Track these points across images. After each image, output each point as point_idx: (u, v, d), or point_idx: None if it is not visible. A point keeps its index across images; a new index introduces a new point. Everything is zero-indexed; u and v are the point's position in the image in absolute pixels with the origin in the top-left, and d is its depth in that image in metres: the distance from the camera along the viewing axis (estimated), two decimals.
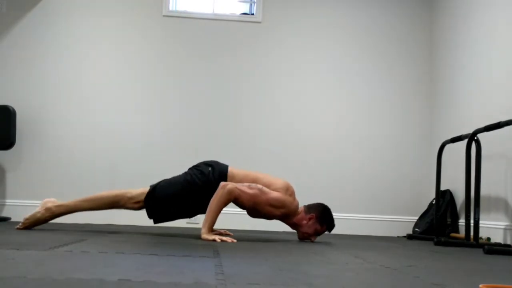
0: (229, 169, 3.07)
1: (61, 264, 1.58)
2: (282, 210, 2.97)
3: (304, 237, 3.12)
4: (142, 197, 3.00)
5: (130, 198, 3.00)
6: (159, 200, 3.00)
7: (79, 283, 1.23)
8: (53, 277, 1.31)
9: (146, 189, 3.03)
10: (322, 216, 3.07)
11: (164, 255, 1.97)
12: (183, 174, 3.09)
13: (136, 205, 3.02)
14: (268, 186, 2.98)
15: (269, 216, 3.03)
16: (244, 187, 2.91)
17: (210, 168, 3.03)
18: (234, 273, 1.54)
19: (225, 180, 3.00)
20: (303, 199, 4.52)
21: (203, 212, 2.98)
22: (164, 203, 3.01)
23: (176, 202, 3.01)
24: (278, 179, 3.06)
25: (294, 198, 3.05)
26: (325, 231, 3.12)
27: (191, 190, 2.99)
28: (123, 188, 3.22)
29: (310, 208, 3.09)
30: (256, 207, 2.94)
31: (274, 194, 2.93)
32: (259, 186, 2.95)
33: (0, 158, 4.42)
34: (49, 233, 2.92)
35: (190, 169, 3.10)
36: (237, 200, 2.90)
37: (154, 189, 3.02)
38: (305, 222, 3.05)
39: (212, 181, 2.98)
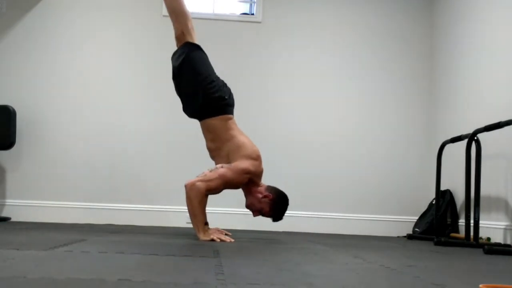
0: (231, 120, 3.12)
1: (61, 264, 1.58)
2: (248, 176, 2.99)
3: (249, 207, 3.10)
4: (189, 40, 3.17)
5: (189, 28, 3.22)
6: (188, 56, 3.12)
7: (79, 283, 1.23)
8: (53, 277, 1.31)
9: (195, 42, 3.19)
10: (277, 202, 3.04)
11: (164, 255, 1.97)
12: (217, 77, 3.15)
13: (180, 33, 3.22)
14: (237, 149, 3.01)
15: (237, 186, 3.06)
16: (207, 176, 2.89)
17: (226, 98, 3.10)
18: (234, 273, 1.54)
19: (215, 112, 3.06)
20: (303, 199, 4.53)
21: (182, 97, 3.17)
22: (188, 61, 3.12)
23: (190, 70, 3.11)
24: (250, 143, 3.07)
25: (260, 163, 3.05)
26: (270, 217, 3.10)
27: (201, 82, 3.06)
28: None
29: (272, 189, 3.07)
30: (226, 185, 2.96)
31: (238, 167, 2.94)
32: (218, 165, 2.97)
33: (0, 158, 4.42)
34: (49, 233, 2.92)
35: (223, 83, 3.17)
36: (210, 191, 2.91)
37: (198, 49, 3.16)
38: (259, 195, 3.02)
39: (210, 104, 3.05)
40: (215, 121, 3.08)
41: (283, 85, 4.69)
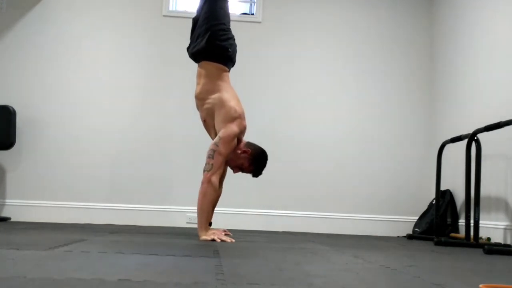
0: (225, 73, 3.16)
1: (61, 264, 1.58)
2: (236, 137, 3.02)
3: (227, 163, 3.10)
4: None
5: None
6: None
7: (79, 283, 1.23)
8: (53, 277, 1.31)
9: None
10: (256, 157, 3.07)
11: (164, 255, 1.97)
12: (230, 29, 3.20)
13: None
14: (221, 107, 3.03)
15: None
16: (214, 165, 2.90)
17: (230, 50, 3.14)
18: (234, 273, 1.54)
19: (215, 58, 3.10)
20: (303, 199, 4.53)
21: (192, 36, 3.23)
22: (211, 3, 3.18)
23: (208, 11, 3.17)
24: (234, 101, 3.07)
25: (242, 119, 3.07)
26: (250, 172, 3.11)
27: (213, 26, 3.10)
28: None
29: (250, 144, 3.11)
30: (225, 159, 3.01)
31: (227, 136, 2.95)
32: (212, 147, 2.96)
33: (0, 158, 4.42)
34: (49, 233, 2.92)
35: (233, 37, 3.20)
36: (221, 177, 2.97)
37: None
38: (238, 151, 3.04)
39: (213, 49, 3.09)
40: (211, 66, 3.13)
41: (283, 85, 4.68)
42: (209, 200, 2.88)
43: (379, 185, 4.62)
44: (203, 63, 3.17)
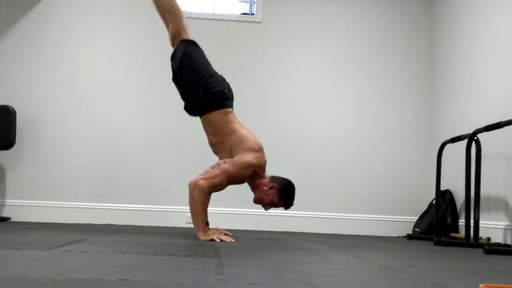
0: (231, 113, 3.13)
1: (61, 264, 1.58)
2: (251, 169, 2.99)
3: (258, 202, 3.09)
4: (184, 37, 3.20)
5: (184, 25, 3.23)
6: (186, 54, 3.15)
7: (79, 283, 1.23)
8: (53, 277, 1.31)
9: (190, 39, 3.22)
10: (284, 190, 3.05)
11: (164, 255, 1.97)
12: (215, 72, 3.18)
13: (176, 33, 3.24)
14: (240, 142, 3.01)
15: (242, 180, 3.07)
16: (209, 173, 2.89)
17: (226, 92, 3.12)
18: (234, 273, 1.54)
19: (215, 106, 3.08)
20: (303, 199, 4.52)
21: (183, 96, 3.17)
22: (186, 59, 3.15)
23: (189, 67, 3.13)
24: (252, 136, 3.07)
25: (263, 154, 3.05)
26: (282, 206, 3.09)
27: (200, 78, 3.07)
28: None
29: (275, 178, 3.07)
30: (230, 180, 2.96)
31: (241, 161, 2.94)
32: (220, 161, 2.97)
33: (0, 158, 4.42)
34: (49, 233, 2.92)
35: (222, 77, 3.18)
36: (214, 188, 2.90)
37: (194, 45, 3.18)
38: (265, 188, 3.02)
39: (211, 99, 3.06)
40: (216, 115, 3.10)
41: (283, 85, 4.69)
42: (198, 202, 2.84)
43: (379, 185, 4.62)
44: (207, 115, 3.12)
